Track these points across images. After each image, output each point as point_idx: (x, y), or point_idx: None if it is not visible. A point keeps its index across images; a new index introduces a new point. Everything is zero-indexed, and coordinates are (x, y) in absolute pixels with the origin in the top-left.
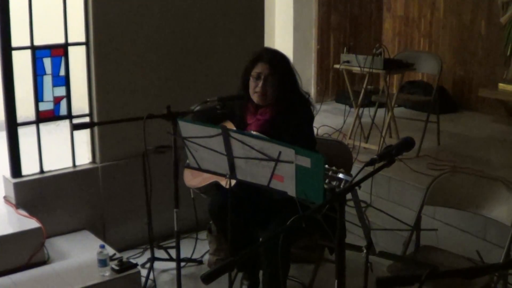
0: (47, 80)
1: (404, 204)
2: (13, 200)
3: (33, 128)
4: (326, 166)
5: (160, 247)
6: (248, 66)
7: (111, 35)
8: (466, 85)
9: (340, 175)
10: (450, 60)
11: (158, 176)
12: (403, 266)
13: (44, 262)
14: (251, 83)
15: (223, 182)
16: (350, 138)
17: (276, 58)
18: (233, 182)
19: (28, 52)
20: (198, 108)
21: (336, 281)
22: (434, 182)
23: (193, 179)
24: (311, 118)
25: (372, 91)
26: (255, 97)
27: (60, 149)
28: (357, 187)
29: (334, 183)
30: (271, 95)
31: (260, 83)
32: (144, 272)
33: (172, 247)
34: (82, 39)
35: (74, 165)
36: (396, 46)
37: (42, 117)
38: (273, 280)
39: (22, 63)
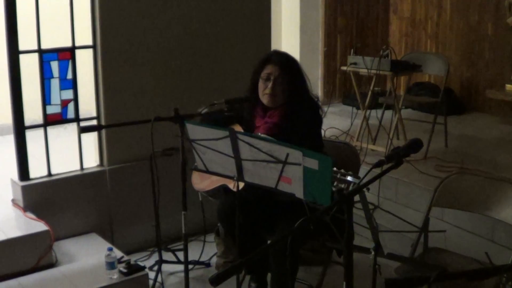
0: (55, 83)
1: (412, 206)
2: (21, 203)
3: (40, 131)
4: (334, 169)
5: (168, 250)
6: (257, 68)
7: (118, 38)
8: (473, 86)
9: (348, 178)
10: (457, 62)
11: (166, 179)
12: (411, 268)
13: (52, 265)
14: (261, 84)
15: (232, 185)
16: (357, 140)
17: (286, 60)
18: (241, 184)
19: (36, 55)
20: (205, 110)
21: (344, 283)
22: (442, 183)
23: (201, 182)
24: (320, 121)
25: (379, 93)
26: (264, 99)
27: (68, 152)
28: (365, 189)
29: (342, 185)
30: (281, 96)
31: (270, 84)
32: (152, 275)
33: (180, 250)
34: (89, 42)
35: (81, 168)
36: (403, 47)
37: (49, 120)
38: (281, 282)
39: (29, 66)
